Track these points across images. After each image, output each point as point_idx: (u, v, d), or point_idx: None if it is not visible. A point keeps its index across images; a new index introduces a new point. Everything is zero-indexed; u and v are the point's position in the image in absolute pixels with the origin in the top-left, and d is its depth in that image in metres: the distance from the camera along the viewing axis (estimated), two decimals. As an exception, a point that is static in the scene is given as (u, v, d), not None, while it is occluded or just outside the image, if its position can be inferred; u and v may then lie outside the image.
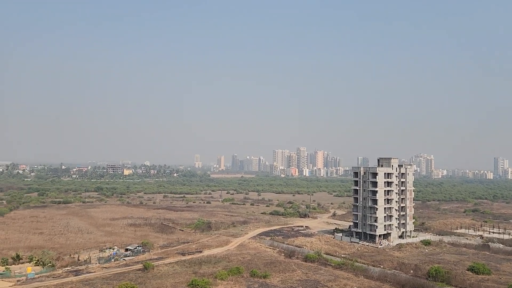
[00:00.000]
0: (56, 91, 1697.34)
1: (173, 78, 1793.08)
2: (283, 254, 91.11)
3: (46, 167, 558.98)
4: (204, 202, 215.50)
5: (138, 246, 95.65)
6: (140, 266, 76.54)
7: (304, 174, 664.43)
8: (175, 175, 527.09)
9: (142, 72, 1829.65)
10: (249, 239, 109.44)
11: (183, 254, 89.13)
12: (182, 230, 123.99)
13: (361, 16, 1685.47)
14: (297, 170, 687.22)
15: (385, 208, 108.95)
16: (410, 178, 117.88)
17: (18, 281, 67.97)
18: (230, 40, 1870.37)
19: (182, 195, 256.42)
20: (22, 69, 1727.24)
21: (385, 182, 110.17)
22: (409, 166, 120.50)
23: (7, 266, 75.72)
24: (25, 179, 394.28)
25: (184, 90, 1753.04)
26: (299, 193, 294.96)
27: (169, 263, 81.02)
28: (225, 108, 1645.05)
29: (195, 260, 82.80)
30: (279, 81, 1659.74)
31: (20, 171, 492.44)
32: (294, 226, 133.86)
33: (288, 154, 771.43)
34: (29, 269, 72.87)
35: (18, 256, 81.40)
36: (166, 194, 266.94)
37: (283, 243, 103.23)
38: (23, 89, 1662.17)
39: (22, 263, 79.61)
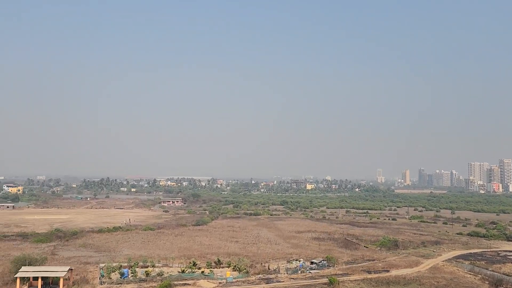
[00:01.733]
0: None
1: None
2: (487, 282, 78.29)
3: (238, 182, 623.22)
4: (388, 219, 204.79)
5: (322, 260, 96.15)
6: (325, 280, 76.38)
7: (511, 190, 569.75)
8: (356, 190, 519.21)
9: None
10: (443, 261, 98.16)
11: (369, 272, 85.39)
12: (367, 247, 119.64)
13: None
14: (500, 185, 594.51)
15: None
16: None
17: (220, 283, 75.89)
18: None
19: (365, 211, 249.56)
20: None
21: None
22: None
23: (211, 269, 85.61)
24: (222, 192, 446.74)
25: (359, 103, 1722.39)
26: (504, 212, 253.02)
27: (355, 280, 78.57)
28: (408, 117, 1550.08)
29: (382, 280, 78.25)
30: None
31: (219, 185, 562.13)
32: (500, 251, 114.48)
33: (488, 167, 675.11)
34: (228, 273, 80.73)
35: (219, 260, 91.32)
36: (349, 209, 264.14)
37: (486, 269, 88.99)
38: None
39: (222, 267, 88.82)
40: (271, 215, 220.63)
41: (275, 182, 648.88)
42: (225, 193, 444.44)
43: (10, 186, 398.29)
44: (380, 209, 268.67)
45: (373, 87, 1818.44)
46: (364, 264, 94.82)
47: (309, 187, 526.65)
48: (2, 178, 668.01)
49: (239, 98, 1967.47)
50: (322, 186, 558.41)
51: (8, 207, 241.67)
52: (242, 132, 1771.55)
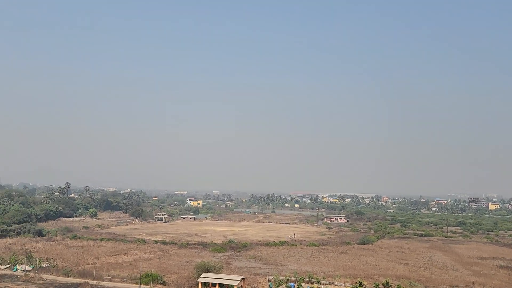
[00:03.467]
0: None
1: None
2: None
3: (406, 199, 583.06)
4: None
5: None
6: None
7: None
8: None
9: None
10: None
11: None
12: None
13: None
14: None
15: None
16: None
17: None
18: None
19: None
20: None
21: None
22: None
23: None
24: (388, 210, 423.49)
25: None
26: None
27: None
28: None
29: None
30: None
31: (383, 203, 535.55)
32: None
33: None
34: (398, 298, 74.70)
35: (387, 283, 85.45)
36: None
37: None
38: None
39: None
40: (445, 237, 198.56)
41: (449, 200, 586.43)
42: (391, 211, 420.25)
43: (192, 200, 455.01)
44: None
45: None
46: None
47: (492, 207, 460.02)
48: (186, 193, 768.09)
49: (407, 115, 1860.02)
50: (510, 206, 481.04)
51: (191, 218, 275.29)
52: (408, 146, 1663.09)
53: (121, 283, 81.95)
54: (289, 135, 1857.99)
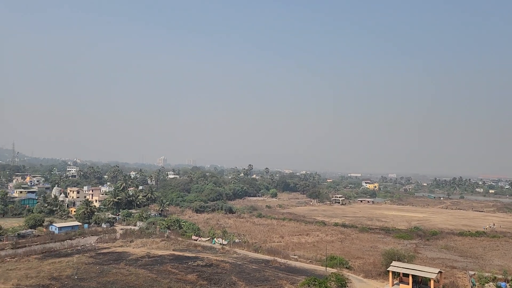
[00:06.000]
0: None
1: None
2: None
3: None
4: None
5: None
6: None
7: None
8: None
9: None
10: None
11: None
12: None
13: None
14: None
15: None
16: None
17: None
18: None
19: None
20: None
21: None
22: None
23: None
24: None
25: None
26: None
27: None
28: None
29: None
30: None
31: None
32: None
33: None
34: None
35: None
36: None
37: None
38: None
39: None
40: None
41: None
42: None
43: (367, 183, 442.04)
44: None
45: None
46: None
47: None
48: (360, 175, 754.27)
49: None
50: None
51: (368, 201, 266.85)
52: None
53: (307, 263, 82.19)
54: (482, 114, 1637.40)
